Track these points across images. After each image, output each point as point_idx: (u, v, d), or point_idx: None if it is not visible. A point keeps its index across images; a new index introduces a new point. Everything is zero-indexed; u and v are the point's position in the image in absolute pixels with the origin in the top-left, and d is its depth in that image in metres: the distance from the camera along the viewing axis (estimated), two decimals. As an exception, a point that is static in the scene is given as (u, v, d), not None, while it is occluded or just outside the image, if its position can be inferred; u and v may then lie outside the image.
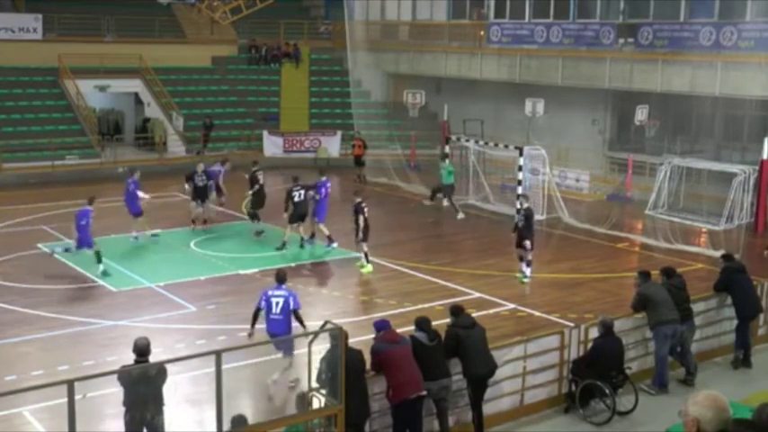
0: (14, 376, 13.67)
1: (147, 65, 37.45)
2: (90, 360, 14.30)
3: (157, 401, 10.20)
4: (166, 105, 37.28)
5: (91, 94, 37.13)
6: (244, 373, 13.11)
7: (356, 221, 20.23)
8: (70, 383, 8.17)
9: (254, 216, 23.48)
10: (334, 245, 21.89)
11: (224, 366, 8.87)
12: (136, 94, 38.88)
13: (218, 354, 8.92)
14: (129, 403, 10.11)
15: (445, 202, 27.22)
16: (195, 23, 41.54)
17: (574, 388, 12.77)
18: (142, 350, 10.38)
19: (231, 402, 9.55)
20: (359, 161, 32.74)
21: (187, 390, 12.64)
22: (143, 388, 10.13)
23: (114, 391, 10.18)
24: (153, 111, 37.90)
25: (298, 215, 21.88)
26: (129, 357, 10.60)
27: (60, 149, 33.18)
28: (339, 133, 36.67)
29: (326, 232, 22.03)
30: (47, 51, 35.87)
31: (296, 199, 21.73)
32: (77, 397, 8.03)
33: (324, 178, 22.66)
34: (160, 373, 10.18)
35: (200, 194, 23.59)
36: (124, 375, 10.06)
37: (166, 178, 31.08)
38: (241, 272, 19.99)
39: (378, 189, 30.78)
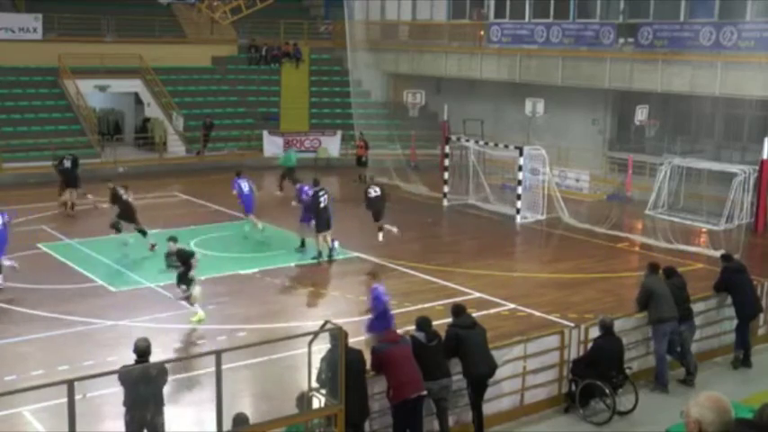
0: (14, 376, 13.67)
1: (147, 65, 37.45)
2: (90, 360, 14.29)
3: (157, 402, 10.20)
4: (166, 105, 37.28)
5: (91, 94, 37.12)
6: (244, 373, 13.13)
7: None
8: (70, 383, 8.16)
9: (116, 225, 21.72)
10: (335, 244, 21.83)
11: (224, 366, 8.87)
12: (136, 94, 38.89)
13: (218, 354, 8.92)
14: (129, 403, 10.11)
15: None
16: (195, 23, 41.54)
17: (574, 388, 12.77)
18: (143, 350, 10.39)
19: (231, 402, 9.55)
20: (361, 161, 32.72)
21: (187, 390, 12.65)
22: (143, 388, 10.13)
23: (114, 392, 10.19)
24: (153, 111, 37.90)
25: (325, 222, 21.01)
26: (130, 357, 10.60)
27: (60, 149, 33.11)
28: (339, 133, 36.67)
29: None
30: (47, 51, 35.86)
31: (321, 204, 20.93)
32: (77, 397, 8.03)
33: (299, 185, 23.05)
34: (161, 373, 10.18)
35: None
36: (124, 375, 10.06)
37: (166, 178, 31.11)
38: (241, 272, 19.99)
39: (378, 189, 30.71)
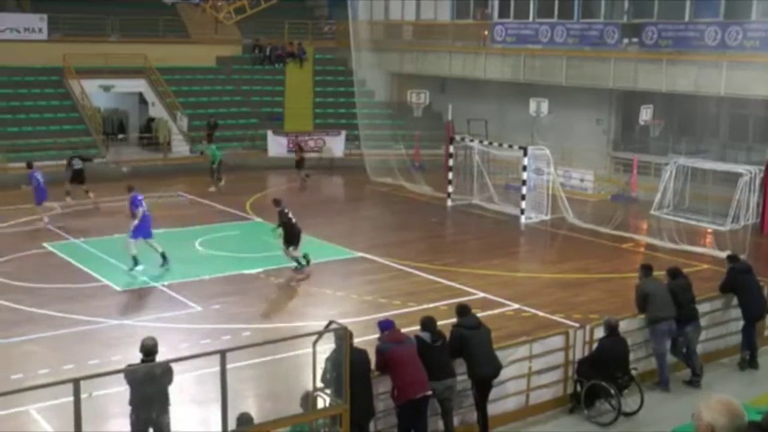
0: (21, 375, 13.71)
1: (151, 65, 37.48)
2: (96, 359, 14.32)
3: (163, 401, 10.21)
4: (171, 105, 37.31)
5: (95, 93, 37.16)
6: (248, 372, 13.13)
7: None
8: (76, 382, 8.18)
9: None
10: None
11: (228, 366, 8.88)
12: (140, 94, 38.93)
13: (222, 353, 8.93)
14: (135, 402, 10.13)
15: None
16: (199, 23, 41.55)
17: (579, 388, 12.76)
18: (149, 349, 10.39)
19: (236, 402, 9.56)
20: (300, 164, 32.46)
21: (192, 389, 12.65)
22: (149, 387, 10.14)
23: (120, 390, 10.19)
24: (157, 110, 37.94)
25: (297, 237, 19.88)
26: (135, 356, 10.61)
27: (65, 149, 33.15)
28: (343, 133, 36.66)
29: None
30: (52, 51, 35.91)
31: (293, 220, 19.87)
32: (83, 396, 8.04)
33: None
34: (166, 372, 10.19)
35: None
36: (130, 374, 10.08)
37: (170, 178, 31.14)
38: (245, 272, 20.00)
39: (383, 189, 30.80)
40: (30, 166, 25.56)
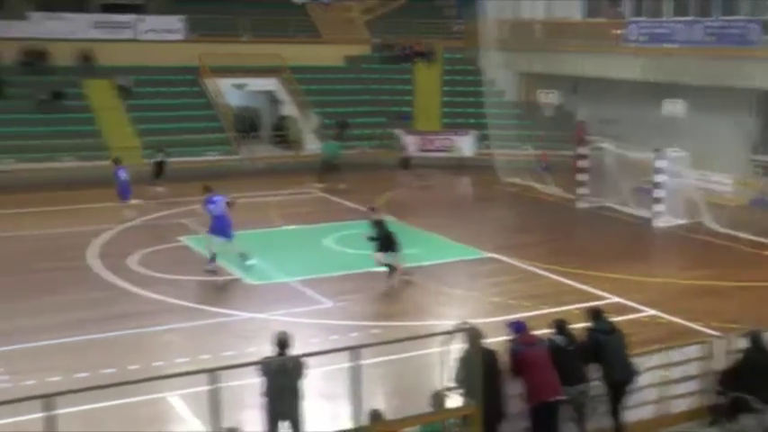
0: (162, 362, 14.20)
1: (283, 64, 38.22)
2: (230, 350, 14.68)
3: (296, 394, 10.36)
4: (301, 104, 37.97)
5: (229, 92, 38.19)
6: (376, 369, 13.18)
7: None
8: (213, 372, 8.38)
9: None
10: None
11: (359, 362, 8.94)
12: (272, 93, 39.76)
13: (355, 349, 9.00)
14: (268, 394, 10.31)
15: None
16: (329, 23, 42.15)
17: (721, 401, 12.25)
18: (283, 343, 10.56)
19: (365, 398, 9.60)
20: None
21: (320, 384, 12.79)
22: (282, 380, 10.30)
23: (254, 382, 10.40)
24: (289, 109, 38.68)
25: (391, 243, 18.90)
26: (268, 349, 10.80)
27: (199, 146, 34.28)
28: (471, 133, 36.47)
29: None
30: (188, 51, 37.13)
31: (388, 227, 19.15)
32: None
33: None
34: (298, 366, 10.33)
35: None
36: (264, 366, 10.27)
37: (301, 175, 31.63)
38: (373, 269, 20.10)
39: (512, 190, 30.51)
40: (116, 162, 26.47)
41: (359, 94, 39.65)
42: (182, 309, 17.18)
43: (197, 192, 26.64)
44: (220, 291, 18.49)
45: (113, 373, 13.52)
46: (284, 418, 10.39)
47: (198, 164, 33.26)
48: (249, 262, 19.92)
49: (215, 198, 19.96)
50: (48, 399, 8.14)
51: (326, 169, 30.81)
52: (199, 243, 22.16)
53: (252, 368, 10.27)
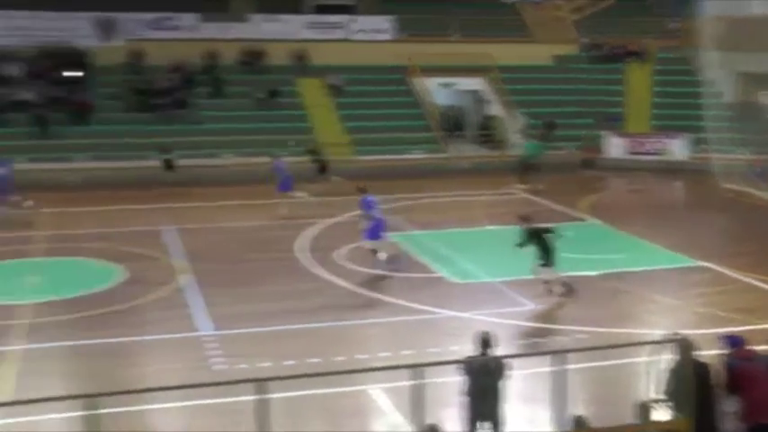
0: (365, 355, 14.53)
1: (491, 63, 38.15)
2: (433, 347, 14.79)
3: (497, 395, 10.29)
4: (508, 103, 37.77)
5: (436, 91, 38.56)
6: (581, 374, 12.88)
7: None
8: (416, 367, 8.46)
9: None
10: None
11: (560, 367, 8.76)
12: (478, 92, 39.79)
13: (559, 353, 8.84)
14: (469, 393, 10.29)
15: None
16: (538, 22, 41.71)
17: None
18: (486, 342, 10.52)
19: (566, 402, 9.42)
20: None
21: (520, 386, 12.65)
22: (484, 380, 10.26)
23: (456, 380, 10.41)
24: (495, 108, 38.59)
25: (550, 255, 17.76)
26: (470, 348, 10.78)
27: (404, 144, 34.84)
28: (684, 135, 34.97)
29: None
30: (397, 51, 37.80)
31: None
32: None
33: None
34: (501, 366, 10.26)
35: None
36: (467, 365, 10.26)
37: (506, 175, 31.45)
38: (579, 273, 19.67)
39: (728, 195, 29.00)
40: (275, 156, 27.21)
41: (566, 95, 38.96)
42: (385, 304, 17.50)
43: (404, 189, 27.22)
44: (424, 288, 18.67)
45: (318, 363, 13.95)
46: (484, 419, 10.34)
47: (403, 162, 33.81)
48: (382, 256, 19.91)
49: (369, 199, 20.16)
50: (260, 383, 8.52)
51: (525, 169, 30.46)
52: (405, 240, 22.51)
53: (454, 366, 10.29)
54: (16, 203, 25.80)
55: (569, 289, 17.84)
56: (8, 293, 17.95)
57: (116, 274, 19.46)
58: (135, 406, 12.15)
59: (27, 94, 34.81)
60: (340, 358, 14.26)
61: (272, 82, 37.01)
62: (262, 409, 8.47)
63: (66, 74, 36.05)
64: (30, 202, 26.12)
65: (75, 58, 36.86)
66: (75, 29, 37.23)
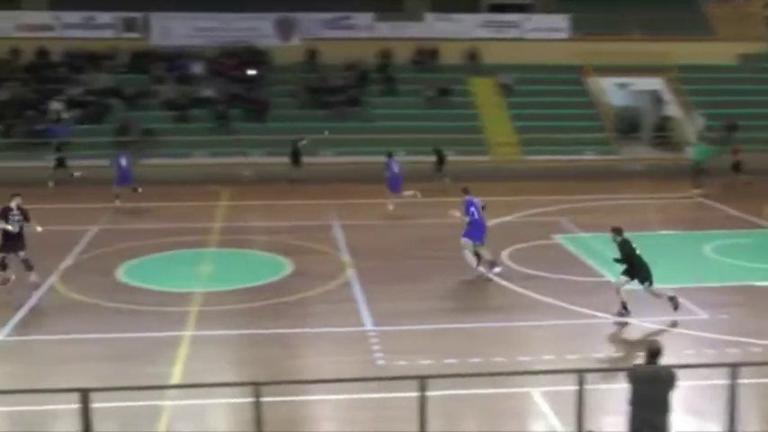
0: (528, 357, 14.26)
1: (670, 63, 36.77)
2: (598, 353, 14.37)
3: (664, 406, 9.85)
4: (686, 104, 36.31)
5: (611, 91, 37.57)
6: (754, 390, 12.18)
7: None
8: (581, 372, 8.20)
9: None
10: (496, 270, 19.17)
11: (737, 381, 8.26)
12: (655, 92, 38.46)
13: (731, 366, 8.35)
14: (634, 402, 9.90)
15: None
16: (724, 19, 39.84)
17: None
18: (655, 351, 10.08)
19: (738, 419, 8.89)
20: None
21: (691, 399, 12.08)
22: (650, 389, 9.84)
23: (620, 388, 10.04)
24: (672, 109, 37.19)
25: (641, 271, 16.29)
26: (638, 356, 10.37)
27: (577, 145, 34.11)
28: None
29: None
30: (572, 50, 37.11)
31: (637, 251, 16.43)
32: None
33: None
34: (670, 377, 9.81)
35: None
36: (633, 374, 9.87)
37: (682, 179, 30.25)
38: (757, 283, 18.63)
39: None
40: (390, 155, 26.83)
41: (751, 95, 37.04)
42: (550, 306, 17.12)
43: (572, 191, 26.66)
44: (590, 291, 18.14)
45: (479, 363, 13.79)
46: (650, 429, 9.92)
47: (573, 163, 33.14)
48: (497, 270, 19.23)
49: (472, 200, 19.70)
50: (422, 380, 8.49)
51: (697, 173, 29.17)
52: (571, 242, 22.04)
53: (619, 374, 9.91)
54: (134, 191, 27.01)
55: (675, 303, 16.33)
56: (185, 281, 18.76)
57: (285, 266, 19.98)
58: (295, 396, 12.42)
59: (209, 92, 36.42)
60: (501, 359, 14.06)
61: (443, 81, 37.10)
62: (421, 406, 8.43)
63: (247, 72, 37.48)
64: (140, 190, 27.17)
65: (254, 57, 38.28)
66: (257, 29, 38.69)
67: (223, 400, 12.34)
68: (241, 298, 17.58)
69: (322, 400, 12.79)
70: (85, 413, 7.86)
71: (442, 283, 18.85)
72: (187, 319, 16.17)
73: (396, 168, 26.42)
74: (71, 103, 35.64)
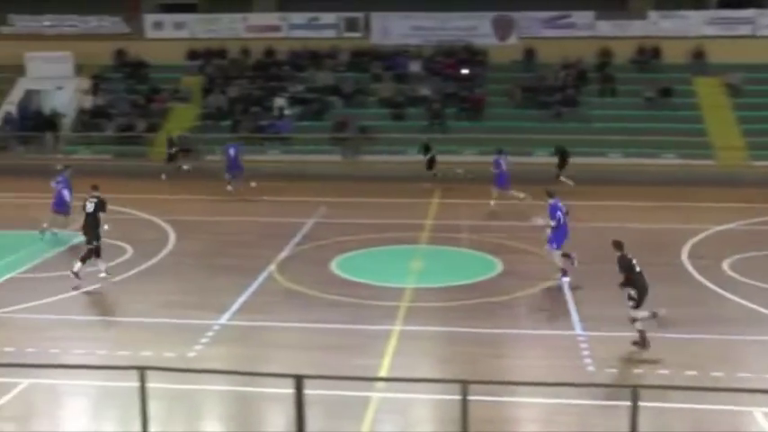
0: (749, 374, 13.46)
1: None
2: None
3: None
4: None
5: None
6: None
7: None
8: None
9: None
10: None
11: None
12: None
13: None
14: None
15: None
16: None
17: None
18: None
19: None
20: None
21: None
22: None
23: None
24: None
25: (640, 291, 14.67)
26: None
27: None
28: None
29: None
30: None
31: (637, 269, 14.84)
32: None
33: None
34: None
35: None
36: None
37: None
38: None
39: None
40: (499, 152, 26.60)
41: None
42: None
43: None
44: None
45: (695, 376, 13.21)
46: None
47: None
48: (565, 279, 18.41)
49: (558, 204, 18.54)
50: (634, 389, 8.15)
51: None
52: None
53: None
54: (245, 184, 28.25)
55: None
56: (396, 276, 19.06)
57: (495, 265, 19.88)
58: (499, 396, 12.32)
59: (425, 90, 36.88)
60: (719, 373, 13.32)
61: (665, 81, 35.69)
62: (634, 417, 8.09)
63: (463, 71, 37.65)
64: (253, 184, 28.33)
65: (471, 56, 38.40)
66: (475, 28, 38.82)
67: (427, 396, 12.43)
68: (450, 295, 17.66)
69: (523, 402, 12.64)
70: (299, 399, 8.10)
71: (659, 291, 18.04)
72: (397, 314, 16.42)
73: (504, 165, 26.27)
74: (293, 101, 37.21)
